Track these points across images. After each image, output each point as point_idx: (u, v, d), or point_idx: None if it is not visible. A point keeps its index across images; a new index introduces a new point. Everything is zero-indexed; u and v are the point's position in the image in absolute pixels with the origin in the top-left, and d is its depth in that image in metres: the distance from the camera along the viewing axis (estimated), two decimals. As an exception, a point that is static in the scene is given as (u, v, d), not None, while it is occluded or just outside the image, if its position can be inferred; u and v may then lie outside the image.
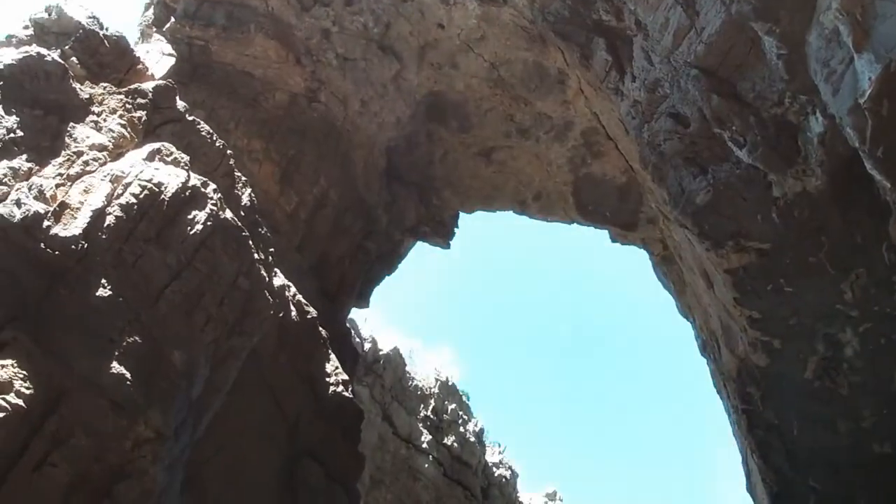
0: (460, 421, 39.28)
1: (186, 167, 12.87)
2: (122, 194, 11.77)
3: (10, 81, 11.82)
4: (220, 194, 12.99)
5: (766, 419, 18.27)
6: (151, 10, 20.43)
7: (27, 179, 11.22)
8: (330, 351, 16.36)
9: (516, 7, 18.45)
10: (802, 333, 17.39)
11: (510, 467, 41.66)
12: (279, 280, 15.51)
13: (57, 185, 11.60)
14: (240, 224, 13.23)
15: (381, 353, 36.48)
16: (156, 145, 12.92)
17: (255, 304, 13.31)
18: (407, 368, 37.69)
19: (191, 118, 14.56)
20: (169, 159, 12.68)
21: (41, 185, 11.31)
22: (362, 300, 21.20)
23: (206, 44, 17.77)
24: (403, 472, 35.24)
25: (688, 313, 30.80)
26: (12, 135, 11.48)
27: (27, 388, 9.72)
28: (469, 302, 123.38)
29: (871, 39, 10.87)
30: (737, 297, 16.85)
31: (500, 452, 41.33)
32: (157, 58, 18.06)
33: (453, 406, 39.35)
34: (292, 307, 15.62)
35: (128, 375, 10.53)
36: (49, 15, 15.71)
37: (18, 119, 11.65)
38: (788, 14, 12.72)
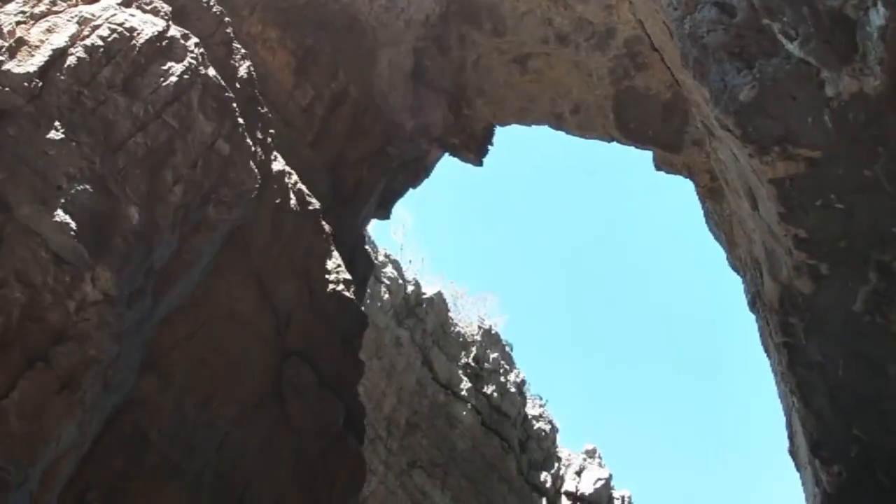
0: (501, 371, 38.59)
1: (167, 17, 11.66)
2: (88, 36, 10.65)
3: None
4: (202, 50, 11.79)
5: (808, 356, 16.59)
6: None
7: (-15, 15, 10.11)
8: (333, 248, 15.20)
9: None
10: (853, 259, 15.67)
11: (550, 421, 41.02)
12: (278, 165, 14.37)
13: (18, 23, 10.54)
14: (224, 85, 11.98)
15: (423, 296, 35.76)
16: (134, -8, 11.72)
17: (237, 174, 12.15)
18: (450, 314, 37.18)
19: (186, -22, 13.30)
20: (147, 7, 11.48)
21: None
22: (382, 210, 20.04)
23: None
24: (440, 419, 35.07)
25: (738, 266, 29.14)
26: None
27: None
28: (517, 250, 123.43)
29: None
30: (782, 213, 15.16)
31: (540, 405, 40.65)
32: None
33: (495, 355, 38.57)
34: (292, 195, 14.45)
35: (73, 226, 9.44)
36: None
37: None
38: None
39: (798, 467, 27.08)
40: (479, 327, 38.67)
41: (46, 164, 9.85)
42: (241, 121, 12.39)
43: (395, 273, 35.14)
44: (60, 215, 9.63)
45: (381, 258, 34.54)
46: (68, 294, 9.63)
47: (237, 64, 13.57)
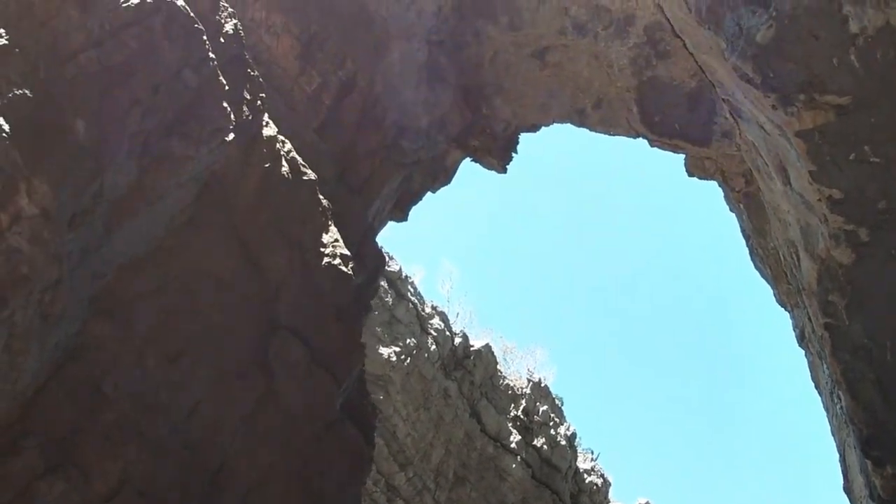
0: (552, 423, 38.74)
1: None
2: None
3: None
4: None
5: (852, 338, 15.00)
6: None
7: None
8: (331, 223, 14.31)
9: None
10: (894, 222, 14.25)
11: (602, 475, 40.89)
12: (269, 130, 13.59)
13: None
14: (193, 17, 11.28)
15: (472, 348, 35.73)
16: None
17: (207, 111, 11.42)
18: (499, 367, 37.48)
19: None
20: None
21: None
22: (399, 211, 19.19)
23: None
24: (490, 471, 35.18)
25: (785, 302, 27.69)
26: None
27: None
28: (565, 298, 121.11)
29: None
30: (812, 172, 13.87)
31: (592, 459, 40.69)
32: None
33: (545, 408, 38.67)
34: (284, 163, 13.66)
35: (6, 128, 8.57)
36: None
37: None
38: None
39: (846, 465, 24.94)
40: (529, 380, 38.68)
41: (-15, 67, 9.01)
42: (213, 56, 11.59)
43: (443, 325, 34.86)
44: (-7, 116, 8.72)
45: (427, 310, 34.29)
46: (0, 205, 8.65)
47: (223, 20, 12.93)
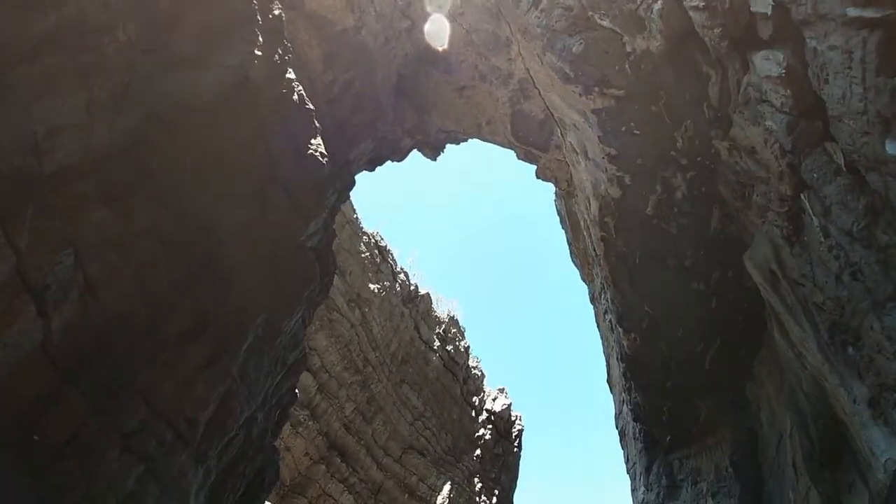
0: (457, 339, 41.57)
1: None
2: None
3: None
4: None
5: (616, 247, 15.02)
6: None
7: None
8: (319, 136, 14.00)
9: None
10: (646, 173, 14.32)
11: (481, 370, 44.09)
12: (290, 76, 13.64)
13: None
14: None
15: (419, 293, 39.13)
16: None
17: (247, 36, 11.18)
18: (433, 305, 39.96)
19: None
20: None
21: None
22: (370, 166, 19.09)
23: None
24: (420, 359, 37.56)
25: (585, 279, 27.50)
26: None
27: None
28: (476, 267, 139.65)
29: None
30: (600, 136, 14.09)
31: (477, 361, 43.97)
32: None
33: (454, 330, 41.65)
34: (294, 94, 13.73)
35: None
36: None
37: None
38: None
39: (611, 390, 24.34)
40: (448, 315, 41.51)
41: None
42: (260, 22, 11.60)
43: (405, 278, 35.48)
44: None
45: (397, 269, 34.57)
46: None
47: (273, 6, 12.78)
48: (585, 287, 27.24)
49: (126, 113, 9.67)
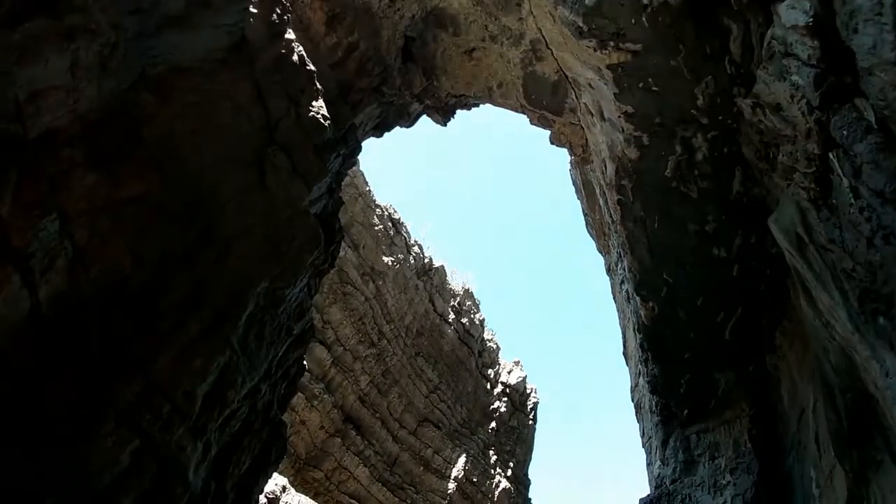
0: (472, 312, 41.86)
1: None
2: None
3: None
4: None
5: (634, 212, 14.44)
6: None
7: None
8: (321, 98, 13.53)
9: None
10: (665, 133, 13.63)
11: (496, 343, 44.14)
12: (289, 35, 13.09)
13: None
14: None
15: (434, 266, 39.00)
16: None
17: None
18: (448, 277, 40.26)
19: None
20: None
21: None
22: (377, 132, 18.51)
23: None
24: (435, 332, 37.89)
25: (601, 250, 26.94)
26: None
27: None
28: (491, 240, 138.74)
29: None
30: (616, 94, 13.39)
31: (492, 333, 43.98)
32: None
33: (469, 303, 42.05)
34: (294, 55, 13.10)
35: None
36: None
37: None
38: None
39: (627, 363, 23.94)
40: (463, 287, 41.59)
41: None
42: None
43: (419, 250, 35.42)
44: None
45: (411, 241, 34.56)
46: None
47: None
48: (601, 259, 26.75)
49: (115, 75, 9.29)
